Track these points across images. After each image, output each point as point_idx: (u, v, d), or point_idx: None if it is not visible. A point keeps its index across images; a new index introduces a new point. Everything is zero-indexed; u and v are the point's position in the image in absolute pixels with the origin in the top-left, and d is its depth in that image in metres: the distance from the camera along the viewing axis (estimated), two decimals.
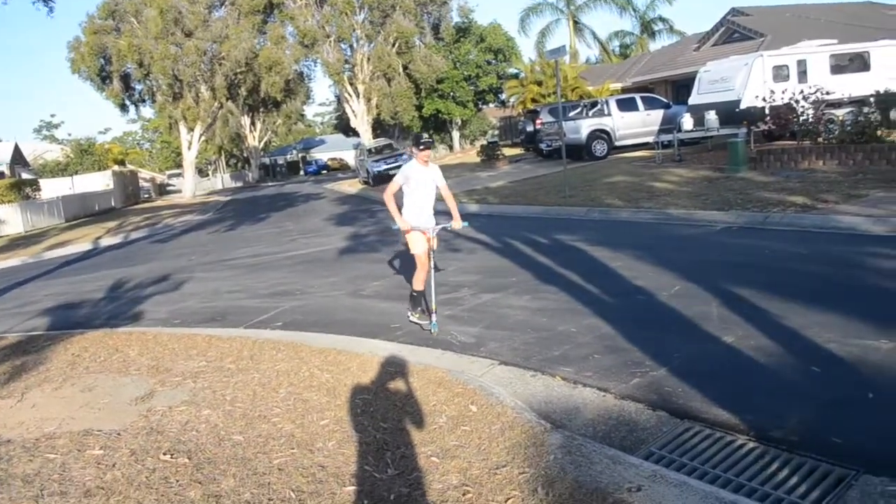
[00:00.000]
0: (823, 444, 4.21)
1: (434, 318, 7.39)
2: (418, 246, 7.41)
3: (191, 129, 46.47)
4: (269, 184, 57.48)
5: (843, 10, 34.58)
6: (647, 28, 52.15)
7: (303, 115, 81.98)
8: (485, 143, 37.68)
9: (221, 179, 70.91)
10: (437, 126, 49.66)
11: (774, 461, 4.15)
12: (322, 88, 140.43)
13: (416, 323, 7.63)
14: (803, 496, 3.79)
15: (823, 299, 6.78)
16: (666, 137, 21.15)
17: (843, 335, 5.77)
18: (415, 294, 7.68)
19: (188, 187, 48.45)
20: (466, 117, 48.46)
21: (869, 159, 14.96)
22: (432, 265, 7.43)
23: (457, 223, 7.48)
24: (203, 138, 50.19)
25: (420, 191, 7.36)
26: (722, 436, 4.51)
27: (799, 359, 5.47)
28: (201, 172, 72.21)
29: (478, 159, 34.13)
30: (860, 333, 5.77)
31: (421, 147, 7.27)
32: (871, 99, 17.30)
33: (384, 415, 5.11)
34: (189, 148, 47.44)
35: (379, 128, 46.76)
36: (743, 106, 19.85)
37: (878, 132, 15.90)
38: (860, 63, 21.61)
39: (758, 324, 6.29)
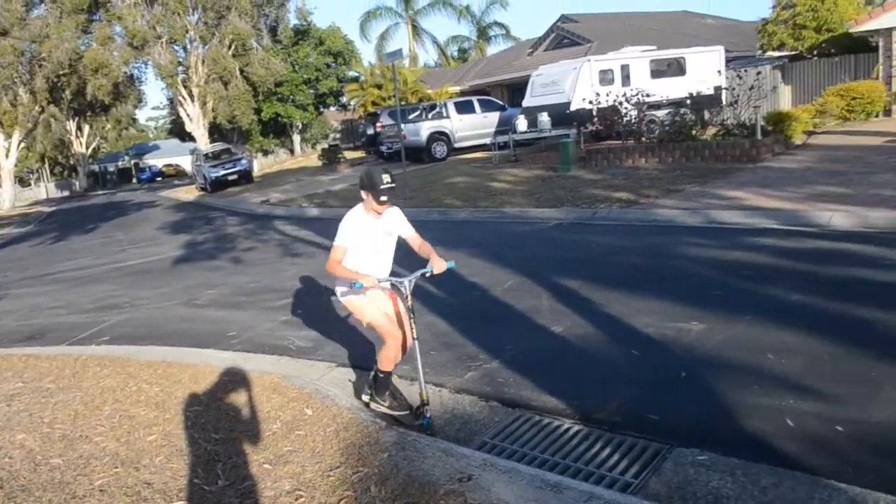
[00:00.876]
0: (642, 423, 4.46)
1: (428, 410, 4.77)
2: (372, 309, 5.03)
3: (8, 136, 43.15)
4: (99, 192, 54.29)
5: (662, 18, 36.96)
6: (484, 33, 53.51)
7: (134, 120, 77.95)
8: (326, 146, 37.33)
9: (45, 189, 66.31)
10: (276, 130, 48.69)
11: (598, 441, 4.35)
12: (155, 91, 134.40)
13: (389, 415, 5.05)
14: (623, 471, 3.99)
15: (643, 287, 7.20)
16: (502, 139, 21.76)
17: (660, 319, 6.15)
18: (380, 375, 5.08)
19: (6, 198, 44.93)
20: (307, 121, 47.82)
21: (685, 156, 16.05)
22: (412, 332, 4.85)
23: (438, 265, 4.81)
24: (23, 145, 46.73)
25: (371, 247, 4.95)
26: (550, 422, 4.68)
27: (621, 344, 5.78)
28: (22, 182, 67.19)
29: (319, 163, 33.82)
30: (675, 317, 6.17)
31: (381, 195, 4.66)
32: (687, 101, 18.55)
33: (216, 425, 4.93)
34: (7, 156, 44.02)
35: (216, 132, 45.27)
36: (573, 108, 20.76)
37: (693, 131, 17.09)
38: (677, 68, 23.16)
39: (584, 313, 6.59)
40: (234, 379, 5.84)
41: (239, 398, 5.41)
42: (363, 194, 4.83)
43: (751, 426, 4.24)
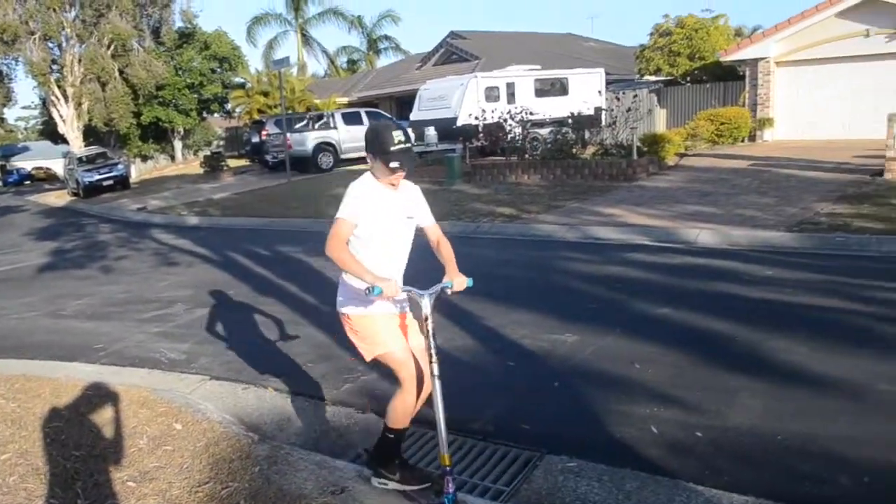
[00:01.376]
0: (515, 432, 4.54)
1: (451, 482, 3.55)
2: (388, 336, 3.80)
3: None
4: None
5: (548, 39, 38.08)
6: (374, 45, 53.56)
7: (2, 119, 73.60)
8: (209, 153, 36.36)
9: None
10: (157, 135, 47.00)
11: (472, 451, 4.40)
12: (26, 90, 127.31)
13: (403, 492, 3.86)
14: (496, 479, 4.05)
15: (521, 300, 7.36)
16: None
17: (535, 331, 6.30)
18: (389, 436, 3.90)
19: None
20: (189, 126, 46.39)
21: (566, 174, 16.55)
22: (434, 367, 3.64)
23: (458, 280, 3.89)
24: None
25: (386, 235, 3.73)
26: (426, 432, 4.69)
27: (496, 355, 5.88)
28: None
29: (201, 170, 32.87)
30: (550, 329, 6.34)
31: (392, 159, 3.48)
32: (569, 120, 19.16)
33: (77, 442, 4.68)
34: None
35: (92, 135, 43.24)
36: (459, 123, 21.07)
37: (574, 150, 17.66)
38: (560, 88, 23.91)
39: (462, 325, 6.66)
40: (100, 393, 5.57)
41: (104, 413, 5.16)
42: (369, 158, 3.61)
43: (618, 433, 4.39)
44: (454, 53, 33.72)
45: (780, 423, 4.36)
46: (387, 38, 53.57)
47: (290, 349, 6.51)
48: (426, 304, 3.67)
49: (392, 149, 3.47)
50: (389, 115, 27.41)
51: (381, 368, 5.73)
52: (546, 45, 35.18)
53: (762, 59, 21.65)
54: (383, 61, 51.38)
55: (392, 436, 3.88)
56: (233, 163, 34.34)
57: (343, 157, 24.76)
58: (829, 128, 20.25)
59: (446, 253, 3.96)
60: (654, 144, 17.03)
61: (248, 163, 32.99)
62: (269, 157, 26.67)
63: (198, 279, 10.09)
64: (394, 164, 3.47)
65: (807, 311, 6.51)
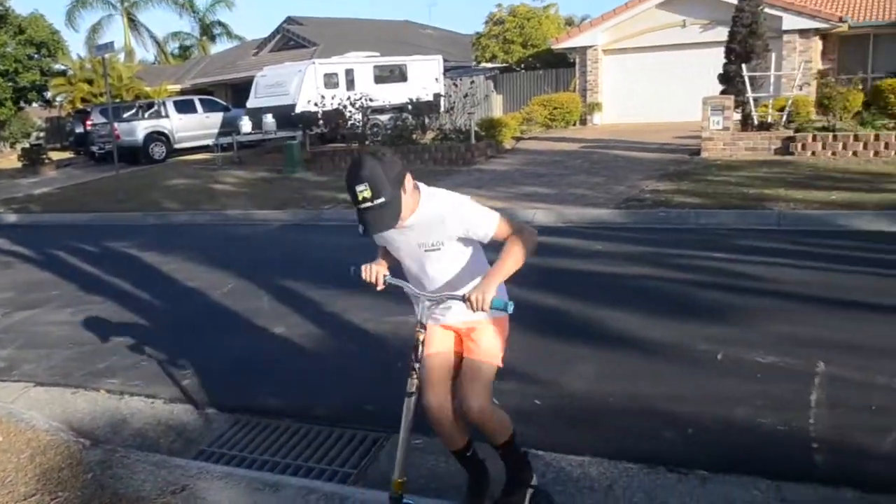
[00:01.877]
0: (361, 414, 4.54)
1: None
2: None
3: None
4: None
5: (386, 26, 38.05)
6: (207, 31, 51.48)
7: None
8: (27, 146, 33.76)
9: None
10: None
11: (319, 437, 4.36)
12: None
13: None
14: (343, 463, 4.04)
15: (364, 284, 7.33)
16: (225, 140, 21.11)
17: (378, 314, 6.31)
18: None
19: None
20: (5, 117, 42.86)
21: (407, 159, 16.63)
22: (409, 386, 3.33)
23: (476, 295, 2.94)
24: None
25: (406, 262, 3.45)
26: (270, 423, 4.61)
27: (341, 340, 5.87)
28: None
29: (19, 164, 30.46)
30: (393, 311, 6.35)
31: (358, 218, 2.93)
32: (409, 106, 19.28)
33: None
34: None
35: None
36: (298, 110, 20.70)
37: (414, 136, 17.81)
38: (399, 74, 24.00)
39: (306, 313, 6.59)
40: None
41: None
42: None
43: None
44: (291, 39, 33.05)
45: (612, 386, 4.62)
46: (220, 23, 51.61)
47: (122, 348, 6.18)
48: (420, 310, 3.26)
49: (357, 207, 2.85)
50: (225, 103, 26.46)
51: (224, 362, 5.59)
52: (385, 32, 35.18)
53: (590, 47, 22.67)
54: (218, 48, 49.52)
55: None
56: (56, 155, 31.98)
57: (177, 146, 23.70)
58: (652, 111, 21.52)
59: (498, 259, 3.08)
60: (491, 129, 17.46)
61: (72, 155, 30.88)
62: (95, 149, 25.06)
63: (17, 280, 9.37)
64: (360, 229, 2.94)
65: (634, 281, 6.92)
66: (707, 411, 4.21)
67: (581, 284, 6.84)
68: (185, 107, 24.25)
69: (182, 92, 33.29)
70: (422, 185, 3.09)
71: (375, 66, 23.58)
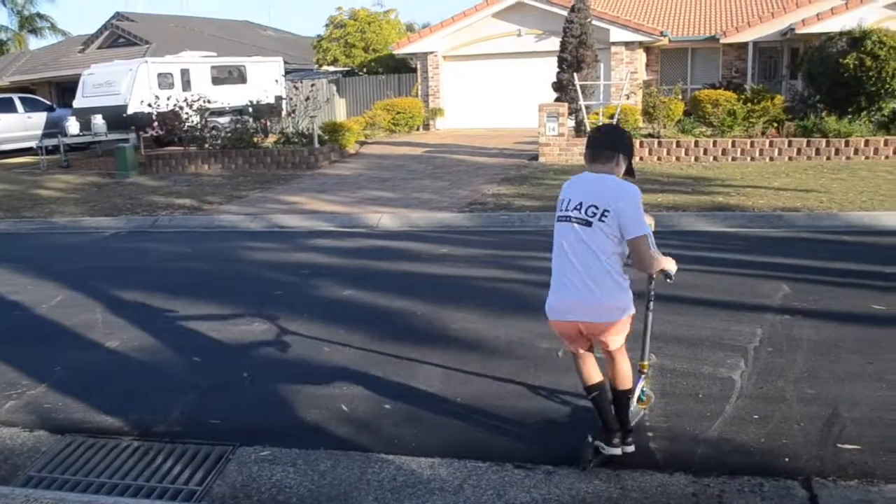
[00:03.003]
0: (205, 428, 4.38)
1: None
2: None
3: None
4: None
5: (224, 25, 36.95)
6: (27, 24, 47.91)
7: None
8: None
9: None
10: None
11: (160, 454, 4.16)
12: None
13: None
14: (188, 480, 3.87)
15: (206, 293, 7.12)
16: (51, 142, 19.75)
17: (221, 323, 6.14)
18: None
19: None
20: None
21: (248, 163, 16.28)
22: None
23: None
24: None
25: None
26: (106, 442, 4.35)
27: (181, 352, 5.63)
28: None
29: None
30: (236, 320, 6.22)
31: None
32: (249, 108, 18.82)
33: None
34: None
35: None
36: (130, 111, 19.71)
37: (255, 139, 17.40)
38: (238, 76, 23.37)
39: (143, 324, 6.28)
40: None
41: None
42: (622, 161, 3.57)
43: (310, 416, 4.44)
44: (121, 37, 31.35)
45: (460, 386, 4.71)
46: (41, 16, 48.22)
47: None
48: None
49: None
50: (49, 102, 24.75)
51: (53, 380, 5.23)
52: (222, 32, 34.15)
53: (431, 53, 23.02)
54: (39, 43, 46.19)
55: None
56: None
57: None
58: (492, 117, 22.15)
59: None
60: (334, 133, 17.35)
61: None
62: None
63: None
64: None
65: (478, 282, 7.11)
66: (550, 407, 4.39)
67: (428, 287, 6.94)
68: (2, 105, 22.43)
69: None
70: None
71: (213, 67, 22.83)
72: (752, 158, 13.79)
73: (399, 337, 5.63)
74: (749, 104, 15.64)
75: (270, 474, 3.83)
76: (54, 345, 6.04)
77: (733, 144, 13.98)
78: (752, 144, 13.89)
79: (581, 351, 3.72)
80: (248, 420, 4.48)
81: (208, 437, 4.27)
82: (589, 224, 3.42)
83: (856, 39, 14.04)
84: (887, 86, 13.71)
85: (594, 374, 3.71)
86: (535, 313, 6.03)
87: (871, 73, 13.57)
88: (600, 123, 15.37)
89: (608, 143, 3.59)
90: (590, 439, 3.68)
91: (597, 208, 3.41)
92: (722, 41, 21.96)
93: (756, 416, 4.11)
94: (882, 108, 14.37)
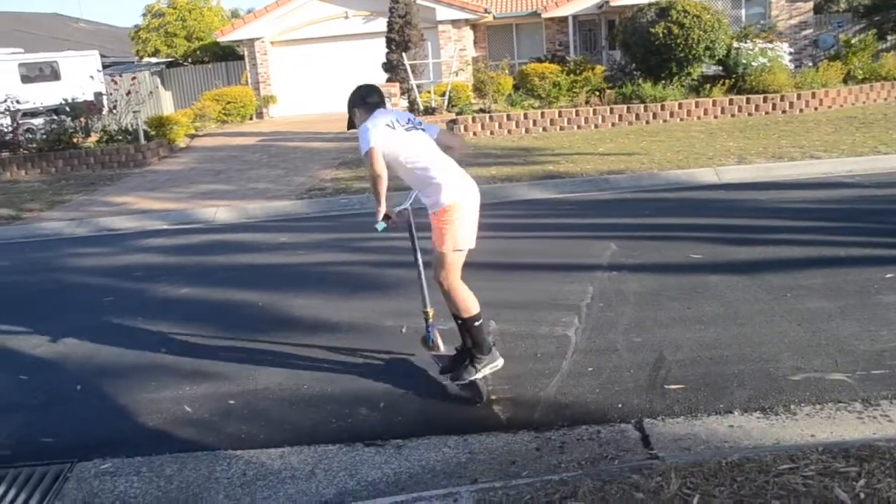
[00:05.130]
0: (37, 448, 4.13)
1: None
2: None
3: None
4: None
5: (30, 20, 34.45)
6: None
7: None
8: None
9: None
10: None
11: None
12: None
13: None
14: None
15: (28, 306, 6.69)
16: None
17: (49, 337, 5.77)
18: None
19: None
20: None
21: (70, 165, 15.32)
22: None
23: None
24: None
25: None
26: None
27: (4, 370, 5.26)
28: None
29: None
30: (65, 332, 5.86)
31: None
32: (66, 107, 17.65)
33: None
34: None
35: None
36: None
37: (75, 139, 16.38)
38: (52, 72, 21.90)
39: None
40: None
41: None
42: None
43: (152, 421, 4.28)
44: None
45: (305, 374, 4.69)
46: None
47: None
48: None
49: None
50: None
51: None
52: (29, 27, 31.81)
53: (258, 39, 22.45)
54: None
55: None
56: None
57: None
58: (326, 102, 21.86)
59: None
60: (161, 127, 16.63)
61: None
62: None
63: None
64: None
65: (320, 268, 7.08)
66: (397, 383, 4.45)
67: (268, 277, 6.84)
68: None
69: None
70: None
71: (21, 64, 21.26)
72: (579, 127, 14.43)
73: (241, 331, 5.52)
74: (572, 75, 16.33)
75: (113, 487, 3.68)
76: None
77: (560, 115, 14.56)
78: (577, 113, 14.52)
79: None
80: (85, 434, 4.26)
81: (42, 458, 4.03)
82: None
83: (663, 10, 14.95)
84: (694, 52, 14.70)
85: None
86: (378, 293, 6.11)
87: (678, 41, 14.50)
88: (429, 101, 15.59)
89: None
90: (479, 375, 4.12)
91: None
92: (543, 16, 22.75)
93: (591, 369, 4.35)
94: (691, 73, 15.42)
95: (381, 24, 18.86)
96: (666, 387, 4.07)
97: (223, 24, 26.70)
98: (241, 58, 24.22)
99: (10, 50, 22.52)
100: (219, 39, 24.02)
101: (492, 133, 14.52)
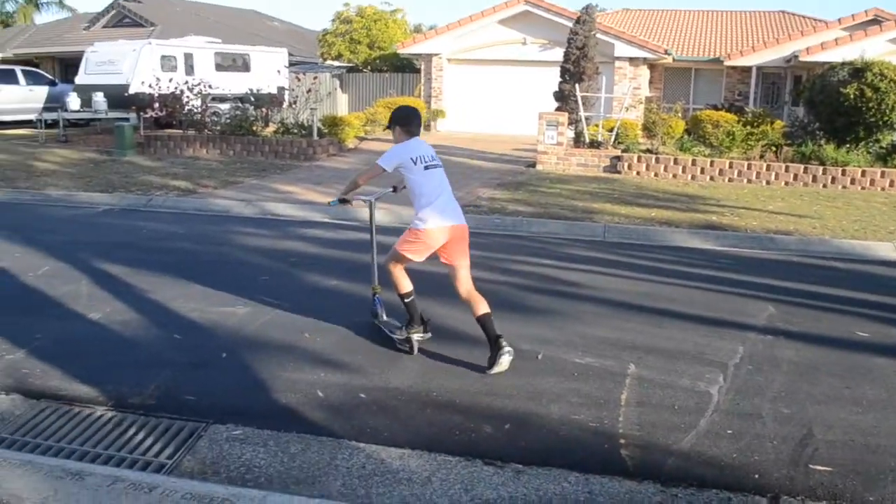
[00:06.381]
0: (179, 404, 4.38)
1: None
2: None
3: None
4: None
5: (230, 13, 36.93)
6: None
7: None
8: None
9: None
10: None
11: (131, 426, 4.16)
12: None
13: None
14: (158, 453, 3.87)
15: (192, 273, 7.11)
16: (51, 116, 19.71)
17: (206, 304, 6.13)
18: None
19: None
20: None
21: (247, 150, 16.26)
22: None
23: None
24: None
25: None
26: (81, 411, 4.35)
27: (163, 328, 5.62)
28: None
29: None
30: (221, 301, 6.21)
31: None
32: (251, 97, 18.80)
33: None
34: None
35: None
36: (132, 91, 19.68)
37: (255, 127, 17.38)
38: (242, 64, 23.36)
39: (127, 299, 6.27)
40: None
41: None
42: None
43: (285, 399, 4.44)
44: (127, 17, 31.29)
45: (437, 381, 4.72)
46: None
47: None
48: None
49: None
50: (51, 77, 24.68)
51: (33, 347, 5.22)
52: (228, 20, 34.12)
53: (435, 55, 23.06)
54: (44, 17, 46.07)
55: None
56: None
57: None
58: (493, 122, 22.20)
59: None
60: (334, 126, 17.35)
61: None
62: None
63: None
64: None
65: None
66: (525, 407, 4.39)
67: (416, 282, 6.90)
68: (4, 77, 22.35)
69: (3, 61, 30.72)
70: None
71: (217, 53, 22.82)
72: (749, 181, 13.84)
73: (380, 329, 5.63)
74: (749, 127, 15.71)
75: (240, 453, 3.83)
76: (37, 313, 6.02)
77: (730, 166, 14.03)
78: (749, 167, 13.94)
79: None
80: (223, 399, 4.47)
81: (182, 413, 4.26)
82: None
83: (857, 70, 14.12)
84: (886, 118, 13.79)
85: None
86: (518, 315, 6.06)
87: (871, 105, 13.64)
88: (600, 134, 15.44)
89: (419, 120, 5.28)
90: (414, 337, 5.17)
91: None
92: (726, 63, 22.08)
93: (730, 432, 4.12)
94: (880, 139, 14.46)
95: (556, 54, 18.90)
96: (811, 466, 3.78)
97: (405, 37, 27.62)
98: (417, 71, 24.94)
99: (210, 39, 24.20)
100: (399, 51, 24.84)
101: (656, 175, 14.19)
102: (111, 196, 11.49)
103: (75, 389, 4.61)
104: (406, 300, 5.24)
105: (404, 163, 4.92)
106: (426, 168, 4.99)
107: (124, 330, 5.60)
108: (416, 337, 5.18)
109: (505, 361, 4.78)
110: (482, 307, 4.96)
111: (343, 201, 5.50)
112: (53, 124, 19.81)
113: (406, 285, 5.23)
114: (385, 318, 5.58)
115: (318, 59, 30.72)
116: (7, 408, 4.41)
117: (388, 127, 5.15)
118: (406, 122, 5.08)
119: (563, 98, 16.20)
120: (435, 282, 5.98)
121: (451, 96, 23.34)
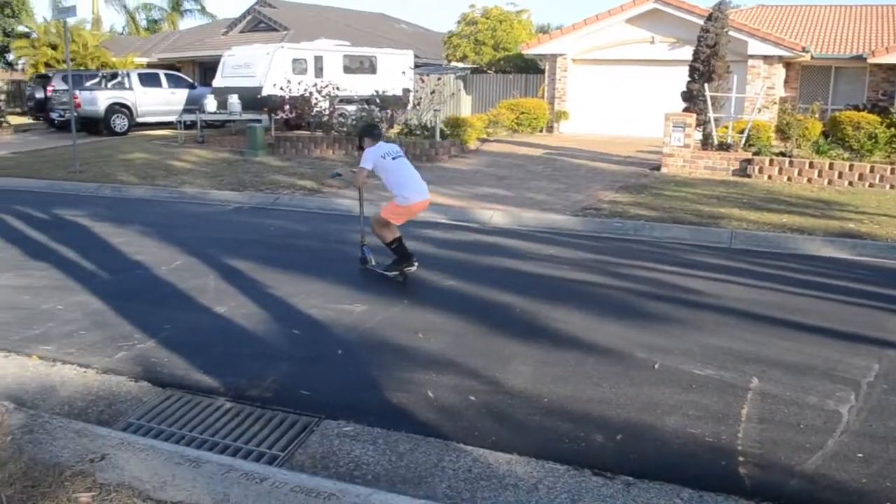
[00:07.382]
0: (294, 398, 4.51)
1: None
2: None
3: None
4: None
5: (359, 16, 37.87)
6: (178, 6, 50.70)
7: None
8: None
9: None
10: None
11: (248, 418, 4.32)
12: None
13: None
14: (272, 445, 4.00)
15: (314, 271, 7.32)
16: (189, 118, 20.81)
17: (324, 301, 6.29)
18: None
19: None
20: None
21: None
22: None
23: None
24: None
25: None
26: (202, 400, 4.55)
27: (283, 323, 5.81)
28: None
29: None
30: (339, 299, 6.36)
31: None
32: (377, 99, 19.17)
33: None
34: None
35: None
36: (264, 93, 20.47)
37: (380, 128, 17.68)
38: (369, 66, 23.87)
39: (251, 294, 6.53)
40: None
41: None
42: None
43: (396, 398, 4.49)
44: (262, 22, 32.66)
45: (548, 386, 4.65)
46: None
47: (60, 316, 6.05)
48: None
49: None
50: (191, 80, 26.07)
51: (162, 337, 5.51)
52: (357, 23, 35.00)
53: (560, 55, 22.79)
54: (187, 24, 48.76)
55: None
56: (15, 120, 31.17)
57: (140, 120, 23.26)
58: (617, 124, 21.72)
59: None
60: (457, 128, 17.46)
61: (32, 121, 30.12)
62: (55, 115, 24.46)
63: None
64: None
65: (581, 286, 6.99)
66: (638, 418, 4.26)
67: (530, 286, 6.88)
68: (149, 80, 23.80)
69: (149, 65, 32.72)
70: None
71: (345, 56, 23.42)
72: (892, 186, 12.93)
73: (495, 331, 5.61)
74: (893, 129, 14.68)
75: (350, 449, 3.89)
76: (168, 304, 6.35)
77: (872, 170, 13.15)
78: (892, 171, 13.02)
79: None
80: (337, 395, 4.57)
81: (297, 407, 4.38)
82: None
83: None
84: None
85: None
86: (635, 323, 5.90)
87: None
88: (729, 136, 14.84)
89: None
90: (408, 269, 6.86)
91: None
92: (869, 61, 20.72)
93: (860, 455, 3.86)
94: None
95: (685, 53, 18.26)
96: None
97: (530, 37, 27.46)
98: (542, 71, 24.74)
99: (339, 42, 24.87)
100: (523, 52, 24.72)
101: (789, 179, 13.49)
102: (241, 194, 12.00)
103: (198, 379, 4.83)
104: (393, 245, 6.87)
105: (376, 159, 6.61)
106: (394, 159, 6.70)
107: (246, 324, 5.83)
108: (408, 269, 6.90)
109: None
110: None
111: (337, 175, 8.20)
112: (192, 125, 20.90)
113: (390, 235, 6.85)
114: (374, 262, 7.22)
115: (442, 60, 31.04)
116: (136, 394, 4.67)
117: (359, 143, 7.04)
118: (369, 132, 7.00)
119: (692, 98, 15.64)
120: (573, 290, 5.88)
121: (575, 97, 23.02)
